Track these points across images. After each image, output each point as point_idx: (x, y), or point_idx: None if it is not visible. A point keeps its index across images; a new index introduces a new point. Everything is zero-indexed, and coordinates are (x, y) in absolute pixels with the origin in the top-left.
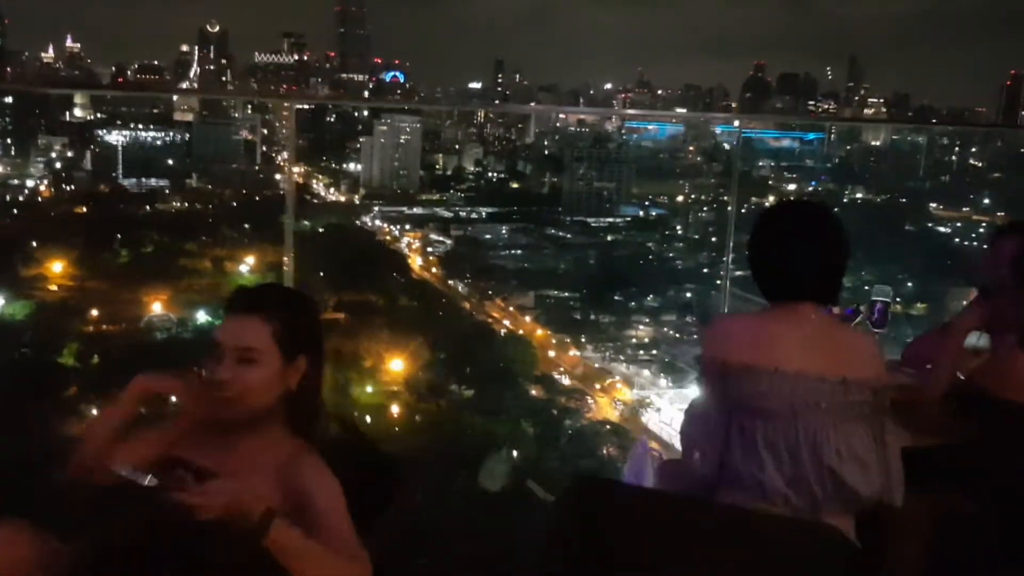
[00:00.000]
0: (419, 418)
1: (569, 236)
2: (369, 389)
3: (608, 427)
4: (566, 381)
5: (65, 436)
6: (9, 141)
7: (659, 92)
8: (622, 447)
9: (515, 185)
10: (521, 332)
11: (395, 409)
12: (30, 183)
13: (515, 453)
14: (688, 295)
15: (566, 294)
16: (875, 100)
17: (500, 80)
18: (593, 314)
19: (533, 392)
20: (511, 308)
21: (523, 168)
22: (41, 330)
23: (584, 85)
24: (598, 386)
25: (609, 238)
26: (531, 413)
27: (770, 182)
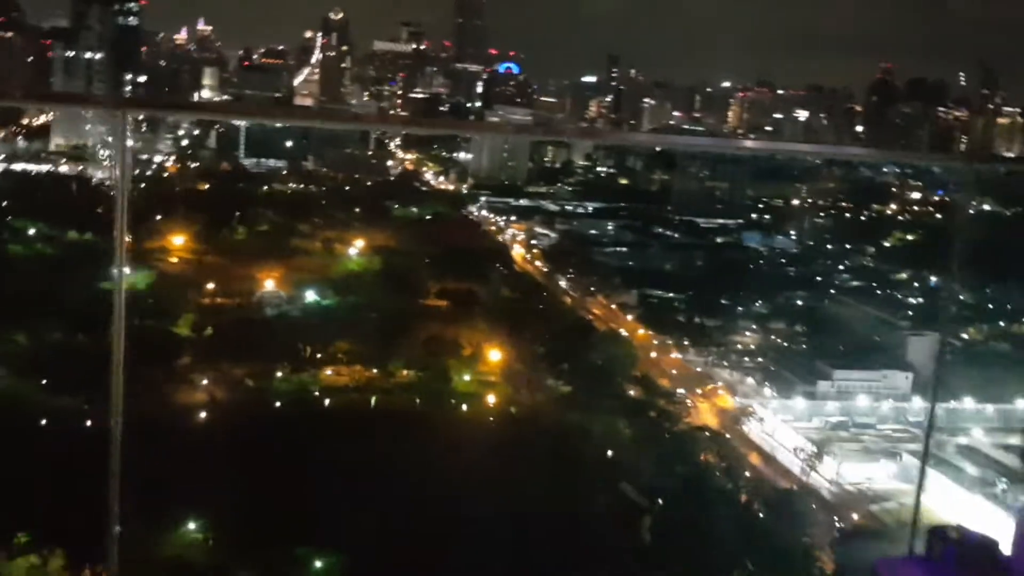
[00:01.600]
0: (514, 410)
1: (677, 235)
2: (467, 377)
3: (707, 434)
4: (665, 383)
5: (177, 403)
6: (141, 117)
7: (780, 92)
8: (721, 455)
9: (624, 181)
10: (622, 331)
11: (491, 399)
12: (158, 158)
13: (609, 453)
14: (799, 303)
15: (671, 295)
16: (1011, 109)
17: (614, 74)
18: (698, 317)
19: (631, 392)
20: (613, 305)
21: (633, 164)
22: (160, 299)
23: (700, 83)
24: (699, 391)
25: (719, 239)
26: (628, 413)
27: (893, 189)
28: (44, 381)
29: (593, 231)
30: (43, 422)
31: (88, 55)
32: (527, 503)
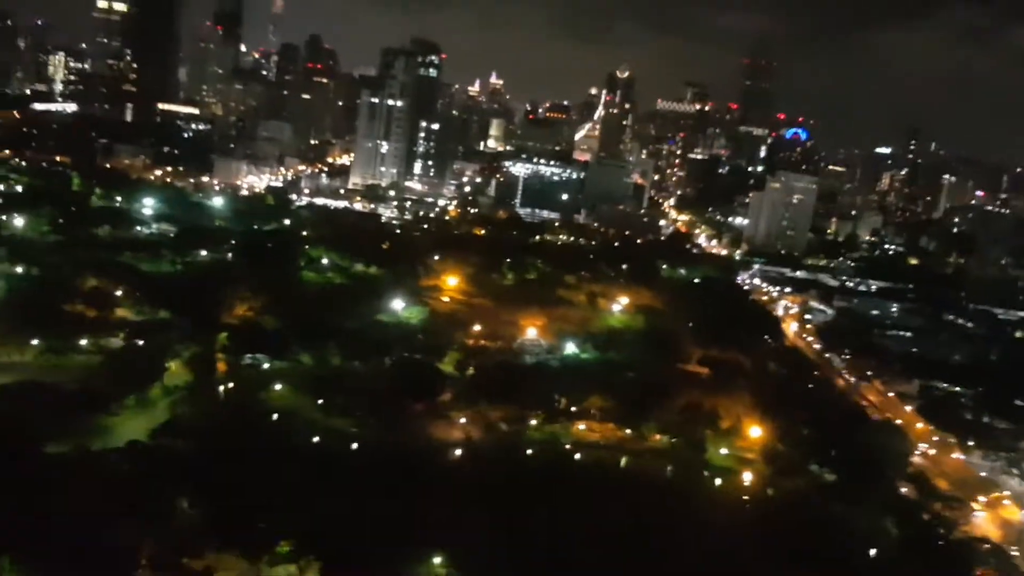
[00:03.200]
0: (771, 492)
1: (971, 325)
2: (723, 451)
3: (987, 546)
4: (943, 485)
5: (434, 437)
6: (430, 163)
7: None
8: (1000, 572)
9: (913, 261)
10: (898, 422)
11: (747, 476)
12: (441, 202)
13: (872, 552)
14: None
15: (957, 388)
16: None
17: (912, 147)
18: (987, 416)
19: (903, 490)
20: (891, 394)
21: (926, 244)
22: (430, 336)
23: (1010, 160)
24: (982, 498)
25: (1018, 334)
26: (898, 512)
27: None
28: (320, 401)
29: (875, 311)
30: (315, 439)
31: (390, 102)
32: None
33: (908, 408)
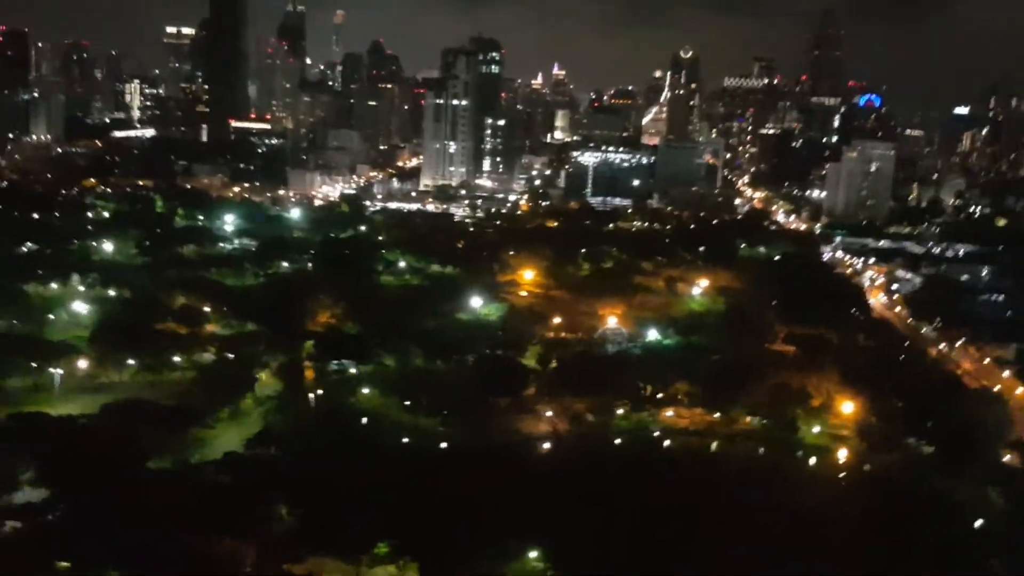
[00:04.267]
0: (868, 467)
1: None
2: (816, 429)
3: None
4: None
5: (521, 432)
6: (498, 159)
7: None
8: None
9: (1002, 222)
10: (997, 388)
11: (842, 453)
12: (512, 197)
13: (977, 523)
14: None
15: None
16: None
17: (992, 105)
18: None
19: (1007, 458)
20: (987, 360)
21: (1013, 204)
22: (510, 331)
23: None
24: None
25: None
26: (1002, 482)
27: None
28: (407, 402)
29: (965, 276)
30: (405, 440)
31: (455, 102)
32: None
33: (1006, 374)
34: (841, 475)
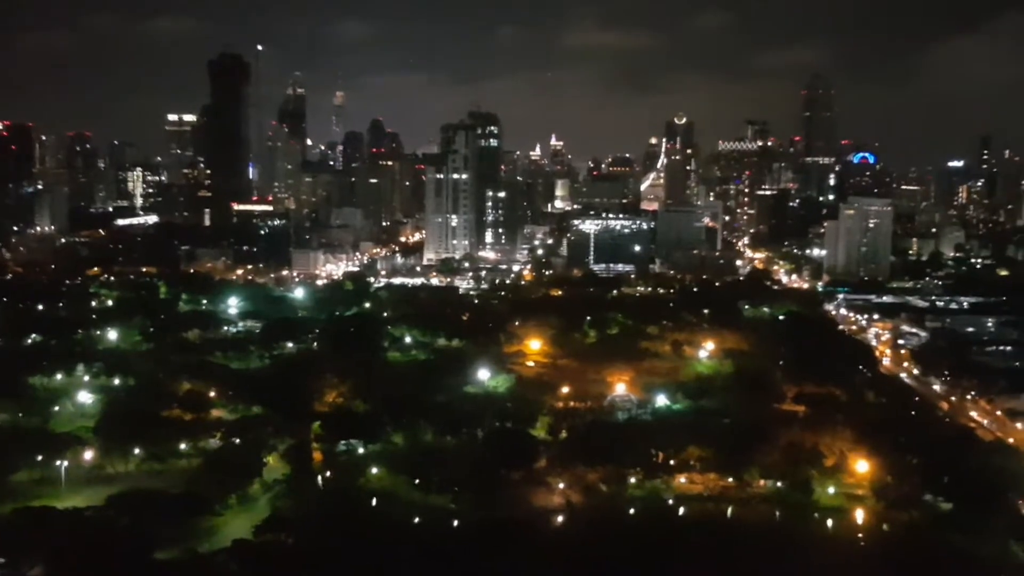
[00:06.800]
0: (886, 527)
1: None
2: (831, 490)
3: None
4: None
5: (533, 505)
6: (500, 231)
7: None
8: None
9: (1004, 272)
10: (1011, 440)
11: (859, 514)
12: (515, 268)
13: None
14: None
15: None
16: None
17: (986, 156)
18: None
19: None
20: (999, 412)
21: (1013, 253)
22: (519, 402)
23: None
24: None
25: None
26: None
27: None
28: (417, 480)
29: (970, 328)
30: (416, 520)
31: (455, 176)
32: None
33: (1019, 425)
34: (860, 536)
